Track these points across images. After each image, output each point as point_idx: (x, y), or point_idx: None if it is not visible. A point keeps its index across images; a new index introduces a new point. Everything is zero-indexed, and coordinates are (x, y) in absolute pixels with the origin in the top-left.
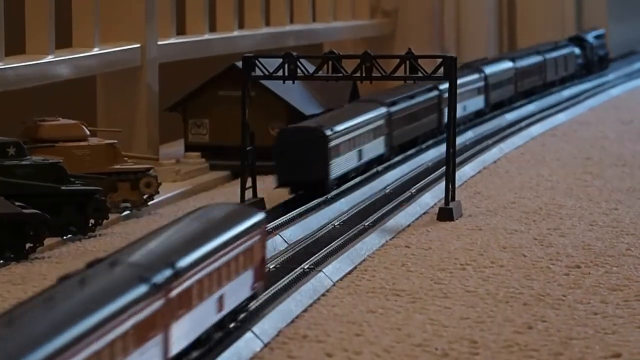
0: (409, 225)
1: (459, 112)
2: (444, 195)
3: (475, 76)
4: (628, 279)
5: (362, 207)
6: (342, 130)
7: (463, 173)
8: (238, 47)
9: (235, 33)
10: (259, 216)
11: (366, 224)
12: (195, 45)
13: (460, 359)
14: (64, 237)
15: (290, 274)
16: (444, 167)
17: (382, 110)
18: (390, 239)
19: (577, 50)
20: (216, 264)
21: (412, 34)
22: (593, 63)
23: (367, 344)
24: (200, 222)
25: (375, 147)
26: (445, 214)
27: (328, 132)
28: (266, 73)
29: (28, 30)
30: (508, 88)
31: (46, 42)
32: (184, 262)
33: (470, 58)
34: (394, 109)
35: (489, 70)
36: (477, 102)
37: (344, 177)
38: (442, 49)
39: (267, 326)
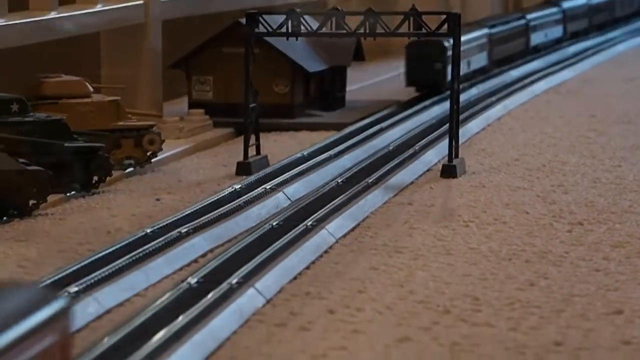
0: (412, 183)
1: (541, 38)
2: (447, 152)
3: (555, 9)
4: (630, 236)
5: (365, 164)
6: None
7: (467, 130)
8: (242, 3)
9: None
10: (60, 304)
11: (369, 181)
12: (199, 2)
13: (463, 315)
14: (68, 194)
15: (293, 231)
16: (448, 124)
17: (485, 30)
18: (393, 196)
19: None
20: None
21: None
22: None
23: (369, 300)
24: None
25: (479, 60)
26: (449, 171)
27: (446, 44)
28: (270, 30)
29: None
30: (583, 21)
31: None
32: None
33: (475, 17)
34: (494, 30)
35: (566, 5)
36: (556, 31)
37: None
38: (447, 7)
39: (270, 282)
